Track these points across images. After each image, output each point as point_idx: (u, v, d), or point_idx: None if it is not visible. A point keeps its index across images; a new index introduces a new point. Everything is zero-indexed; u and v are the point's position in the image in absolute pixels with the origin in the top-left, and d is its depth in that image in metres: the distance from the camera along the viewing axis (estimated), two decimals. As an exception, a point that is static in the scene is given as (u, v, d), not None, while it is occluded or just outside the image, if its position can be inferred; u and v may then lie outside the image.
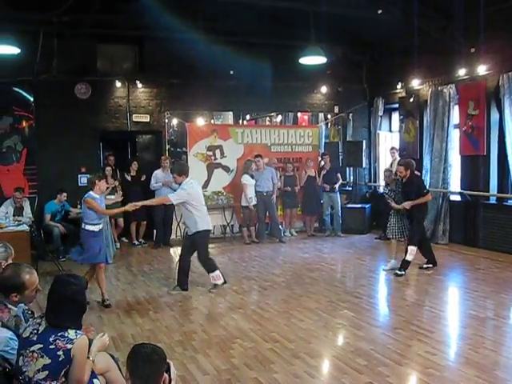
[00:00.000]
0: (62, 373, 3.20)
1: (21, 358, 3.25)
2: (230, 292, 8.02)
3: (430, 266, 9.08)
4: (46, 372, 3.17)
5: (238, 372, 5.07)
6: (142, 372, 2.73)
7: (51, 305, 3.35)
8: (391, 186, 9.14)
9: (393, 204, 8.89)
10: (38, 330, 3.29)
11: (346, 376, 4.91)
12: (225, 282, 8.13)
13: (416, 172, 9.47)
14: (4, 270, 3.82)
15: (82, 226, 7.50)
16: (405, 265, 8.74)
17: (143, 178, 11.72)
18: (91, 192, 7.44)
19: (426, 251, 9.16)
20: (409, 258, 8.73)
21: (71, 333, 3.25)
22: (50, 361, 3.17)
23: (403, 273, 8.67)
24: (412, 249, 8.72)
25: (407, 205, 8.65)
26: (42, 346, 3.20)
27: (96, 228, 7.48)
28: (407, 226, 8.91)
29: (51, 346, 3.19)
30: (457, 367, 5.12)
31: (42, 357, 3.18)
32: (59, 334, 3.23)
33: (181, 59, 11.59)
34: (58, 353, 3.18)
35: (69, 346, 3.19)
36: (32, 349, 3.21)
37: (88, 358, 3.37)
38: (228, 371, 5.09)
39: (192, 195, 7.80)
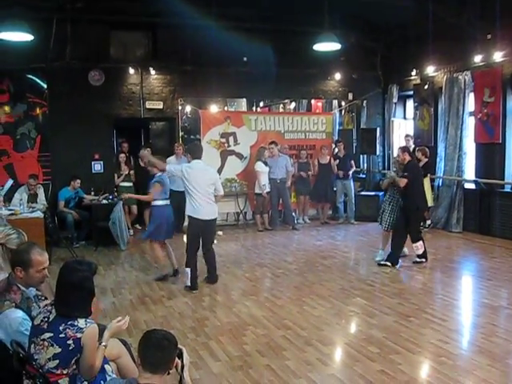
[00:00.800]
0: (73, 361, 3.21)
1: (32, 345, 3.27)
2: (243, 279, 8.04)
3: (388, 264, 8.53)
4: (57, 361, 3.18)
5: (250, 359, 5.09)
6: (152, 357, 2.75)
7: (59, 292, 3.35)
8: (396, 167, 8.88)
9: (385, 181, 8.89)
10: (48, 318, 3.29)
11: (358, 363, 4.91)
12: (192, 289, 7.44)
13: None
14: (20, 245, 3.88)
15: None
16: (422, 255, 8.66)
17: None
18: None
19: (396, 244, 8.66)
20: (420, 252, 8.61)
21: (81, 322, 3.25)
22: (60, 350, 3.18)
23: (423, 260, 8.63)
24: (416, 245, 8.58)
25: (401, 182, 8.40)
26: (52, 334, 3.21)
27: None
28: (396, 219, 8.61)
29: (61, 335, 3.20)
30: (469, 356, 5.11)
31: (53, 345, 3.19)
32: (69, 323, 3.23)
33: (194, 46, 11.57)
34: (68, 342, 3.18)
35: (79, 335, 3.19)
36: (42, 337, 3.22)
37: (100, 343, 3.39)
38: (240, 358, 5.11)
39: (188, 176, 7.51)
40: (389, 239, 8.78)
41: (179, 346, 3.08)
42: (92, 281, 3.47)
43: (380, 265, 8.56)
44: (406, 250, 8.95)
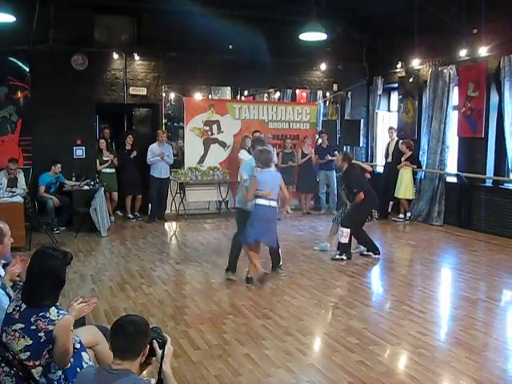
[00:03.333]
0: (44, 352, 3.17)
1: (4, 334, 3.21)
2: (224, 268, 8.01)
3: (371, 253, 8.59)
4: (28, 353, 3.14)
5: (230, 347, 5.08)
6: (119, 343, 2.72)
7: (29, 280, 3.27)
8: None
9: (341, 193, 8.88)
10: (20, 308, 3.22)
11: (337, 354, 4.93)
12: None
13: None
14: None
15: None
16: (342, 248, 8.41)
17: (133, 154, 11.61)
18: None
19: (362, 240, 8.73)
20: (343, 240, 8.37)
21: (53, 313, 3.18)
22: (31, 342, 3.13)
23: (343, 257, 8.38)
24: (344, 230, 8.34)
25: (349, 206, 8.50)
26: (23, 326, 3.15)
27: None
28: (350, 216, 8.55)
29: (32, 327, 3.14)
30: (447, 348, 5.15)
31: (24, 337, 3.14)
32: (40, 315, 3.16)
33: (179, 32, 11.49)
34: (39, 334, 3.14)
35: (50, 327, 3.14)
36: (14, 327, 3.17)
37: None
38: (219, 346, 5.10)
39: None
40: (336, 233, 8.73)
41: (165, 335, 3.05)
42: (64, 270, 3.40)
43: (335, 259, 8.40)
44: (325, 244, 8.99)
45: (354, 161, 9.17)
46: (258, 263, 6.98)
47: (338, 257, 8.41)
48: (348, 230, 8.34)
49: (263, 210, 6.89)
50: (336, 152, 12.53)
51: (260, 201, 6.86)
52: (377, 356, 4.87)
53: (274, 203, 6.98)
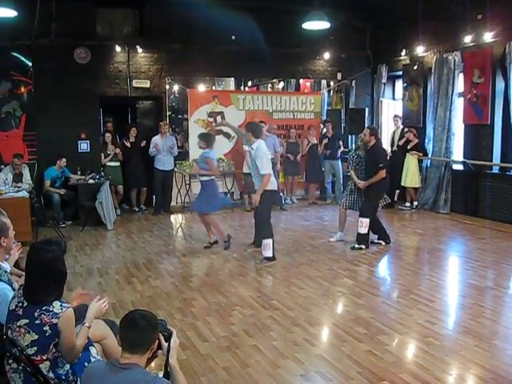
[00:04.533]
0: (51, 346, 3.16)
1: (9, 331, 3.20)
2: (230, 259, 8.02)
3: (382, 241, 8.65)
4: (35, 348, 3.14)
5: (238, 339, 5.08)
6: (130, 337, 2.71)
7: (29, 278, 3.25)
8: (360, 151, 8.73)
9: (351, 172, 8.70)
10: (23, 304, 3.20)
11: (346, 344, 4.91)
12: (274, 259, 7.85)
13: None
14: None
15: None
16: (361, 238, 8.41)
17: (143, 143, 11.64)
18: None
19: (376, 227, 8.68)
20: (361, 230, 8.37)
21: (56, 306, 3.17)
22: (37, 336, 3.12)
23: (362, 246, 8.38)
24: (363, 221, 8.34)
25: (362, 185, 8.42)
26: (27, 321, 3.14)
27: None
28: (361, 199, 8.60)
29: (37, 322, 3.13)
30: (456, 336, 5.12)
31: (29, 332, 3.13)
32: (44, 309, 3.14)
33: (182, 24, 11.45)
34: (44, 328, 3.12)
35: (54, 320, 3.12)
36: (19, 324, 3.16)
37: (84, 323, 3.32)
38: (227, 338, 5.10)
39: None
40: (346, 219, 8.84)
41: (170, 327, 3.04)
42: (63, 260, 3.36)
43: (354, 248, 8.42)
44: (341, 233, 8.98)
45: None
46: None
47: (357, 246, 8.42)
48: (368, 220, 8.35)
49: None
50: (341, 142, 12.58)
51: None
52: (385, 346, 4.86)
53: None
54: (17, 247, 4.20)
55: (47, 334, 3.13)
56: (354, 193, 8.69)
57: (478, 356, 4.61)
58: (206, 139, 8.55)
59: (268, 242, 7.77)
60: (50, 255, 3.25)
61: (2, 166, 10.32)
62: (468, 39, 10.40)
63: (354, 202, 8.70)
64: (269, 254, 7.78)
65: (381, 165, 8.22)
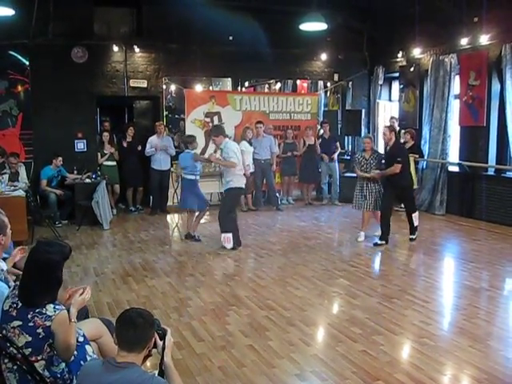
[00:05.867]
0: (45, 347, 3.17)
1: (4, 331, 3.20)
2: (226, 259, 8.03)
3: (384, 242, 8.72)
4: (30, 349, 3.15)
5: (233, 339, 5.09)
6: (127, 336, 2.71)
7: (25, 277, 3.25)
8: (366, 154, 8.85)
9: (358, 171, 8.82)
10: (17, 305, 3.20)
11: (341, 344, 4.93)
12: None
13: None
14: None
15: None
16: (414, 230, 8.89)
17: (139, 147, 11.61)
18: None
19: (384, 223, 8.78)
20: (416, 222, 8.85)
21: (49, 309, 3.16)
22: (30, 338, 3.13)
23: (383, 242, 8.68)
24: (415, 215, 8.83)
25: (377, 174, 8.60)
26: (21, 323, 3.14)
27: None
28: (380, 196, 8.77)
29: (30, 324, 3.13)
30: (451, 337, 5.15)
31: (23, 334, 3.13)
32: (37, 311, 3.14)
33: (179, 24, 11.46)
34: (37, 330, 3.13)
35: (48, 323, 3.13)
36: (12, 325, 3.16)
37: (70, 320, 3.28)
38: (223, 338, 5.11)
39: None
40: (369, 220, 9.02)
41: (164, 326, 3.05)
42: (61, 266, 3.34)
43: (412, 240, 8.85)
44: (364, 233, 9.10)
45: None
46: None
47: (379, 242, 8.67)
48: (417, 213, 8.90)
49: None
50: (338, 143, 12.60)
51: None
52: (380, 346, 4.88)
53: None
54: (21, 251, 4.20)
55: (41, 336, 3.14)
56: (372, 194, 8.78)
57: (473, 356, 4.64)
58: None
59: (228, 235, 8.39)
60: (49, 258, 3.24)
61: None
62: (464, 41, 10.43)
63: (375, 203, 8.81)
64: (229, 246, 8.41)
65: (399, 159, 8.43)
